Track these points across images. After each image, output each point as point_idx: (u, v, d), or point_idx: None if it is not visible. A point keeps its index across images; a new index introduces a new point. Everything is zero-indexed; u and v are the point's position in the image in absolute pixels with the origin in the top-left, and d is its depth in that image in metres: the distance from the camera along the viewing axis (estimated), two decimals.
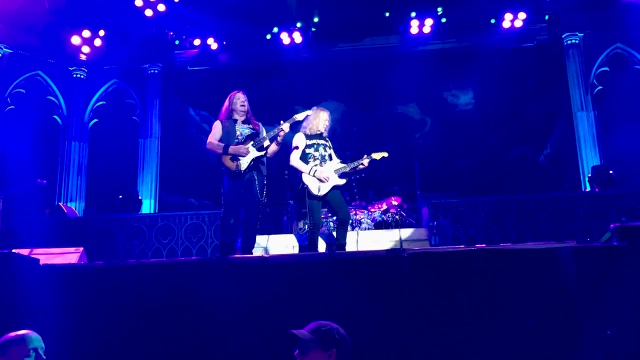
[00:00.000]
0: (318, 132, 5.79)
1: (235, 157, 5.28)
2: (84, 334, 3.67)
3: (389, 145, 11.44)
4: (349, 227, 8.41)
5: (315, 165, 5.61)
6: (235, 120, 5.49)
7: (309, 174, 5.58)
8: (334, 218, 8.62)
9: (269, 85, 11.57)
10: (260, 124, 5.63)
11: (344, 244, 5.68)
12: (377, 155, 5.93)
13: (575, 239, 7.89)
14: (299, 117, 5.63)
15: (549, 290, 3.51)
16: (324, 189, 5.59)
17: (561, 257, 3.50)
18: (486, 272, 3.64)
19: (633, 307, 3.17)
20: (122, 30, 11.56)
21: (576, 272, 3.28)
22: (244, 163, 5.27)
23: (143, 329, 3.69)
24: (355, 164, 5.85)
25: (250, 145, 5.31)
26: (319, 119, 5.80)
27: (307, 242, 5.80)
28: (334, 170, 5.72)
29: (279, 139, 5.41)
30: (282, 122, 5.42)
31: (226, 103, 5.56)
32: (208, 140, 5.45)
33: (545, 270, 3.56)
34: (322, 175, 5.57)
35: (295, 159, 5.68)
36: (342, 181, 5.75)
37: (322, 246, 6.58)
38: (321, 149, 5.73)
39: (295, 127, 5.82)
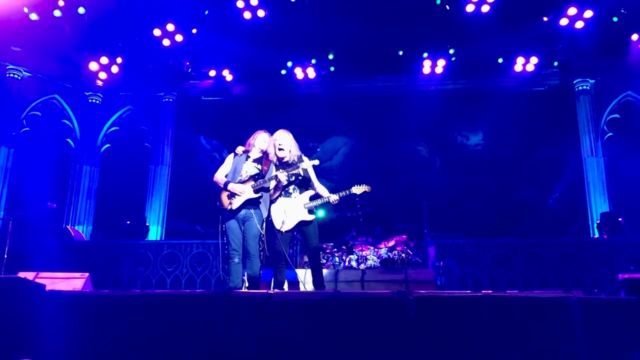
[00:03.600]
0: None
1: (232, 195, 5.34)
2: None
3: (398, 182, 11.54)
4: (355, 264, 8.43)
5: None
6: (248, 158, 5.54)
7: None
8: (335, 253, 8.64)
9: (280, 118, 11.64)
10: (271, 163, 5.60)
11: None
12: (358, 190, 5.58)
13: (583, 286, 7.83)
14: (306, 165, 5.52)
15: (555, 340, 3.48)
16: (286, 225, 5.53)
17: (568, 307, 3.48)
18: (492, 318, 3.61)
19: None
20: (139, 58, 11.76)
21: (582, 323, 3.25)
22: (236, 203, 5.32)
23: None
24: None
25: (249, 185, 5.36)
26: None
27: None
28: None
29: (279, 185, 5.43)
30: (280, 170, 5.40)
31: (250, 138, 5.61)
32: (215, 174, 5.56)
33: (552, 320, 3.53)
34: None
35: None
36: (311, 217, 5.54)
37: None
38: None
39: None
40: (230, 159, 5.58)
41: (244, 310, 3.82)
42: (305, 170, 5.52)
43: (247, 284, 5.41)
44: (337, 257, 8.62)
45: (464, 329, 3.62)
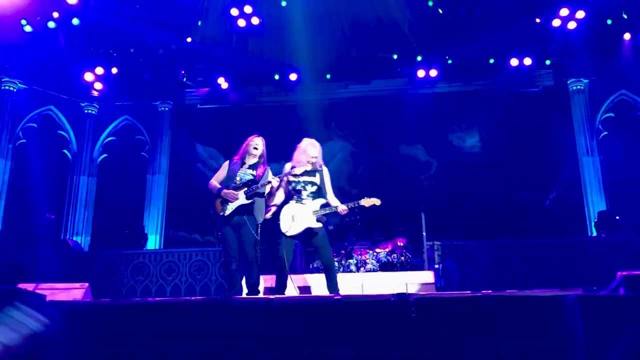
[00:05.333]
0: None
1: (225, 201, 5.34)
2: None
3: (395, 186, 11.55)
4: (354, 268, 8.43)
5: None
6: (243, 164, 5.55)
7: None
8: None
9: (276, 124, 11.69)
10: (268, 169, 5.61)
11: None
12: (367, 202, 5.49)
13: (582, 285, 7.83)
14: (297, 171, 5.46)
15: (555, 338, 3.49)
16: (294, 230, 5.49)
17: (567, 305, 3.49)
18: (492, 318, 3.62)
19: None
20: (134, 67, 11.79)
21: (582, 321, 3.26)
22: (229, 209, 5.32)
23: None
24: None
25: (242, 192, 5.36)
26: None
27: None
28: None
29: (272, 191, 5.43)
30: (274, 178, 5.40)
31: (243, 144, 5.63)
32: (211, 180, 5.57)
33: (551, 319, 3.54)
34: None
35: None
36: (316, 225, 5.43)
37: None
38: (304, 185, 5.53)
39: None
40: (225, 165, 5.59)
41: (244, 316, 3.83)
42: (322, 179, 5.52)
43: (246, 291, 5.41)
44: (337, 261, 8.61)
45: (464, 330, 3.63)
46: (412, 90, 12.03)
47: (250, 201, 5.34)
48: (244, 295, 5.40)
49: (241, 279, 5.47)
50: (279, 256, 5.38)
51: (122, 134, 12.40)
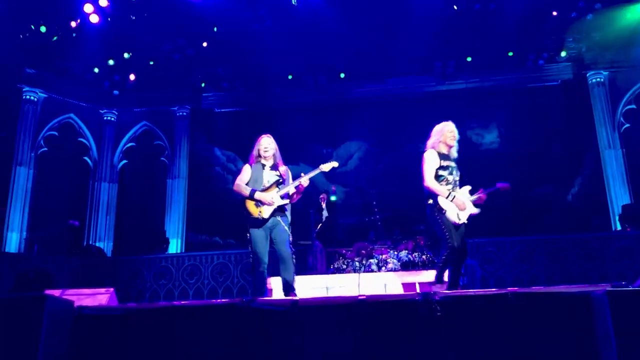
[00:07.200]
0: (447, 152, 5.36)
1: (259, 204, 5.34)
2: None
3: (414, 184, 11.48)
4: (376, 268, 8.42)
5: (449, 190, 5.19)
6: (264, 166, 5.53)
7: (447, 198, 5.16)
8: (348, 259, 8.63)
9: (293, 126, 11.73)
10: (287, 169, 5.62)
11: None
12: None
13: (608, 279, 7.73)
14: (325, 168, 5.56)
15: (584, 335, 3.44)
16: (462, 217, 5.21)
17: (595, 301, 3.44)
18: (519, 316, 3.58)
19: None
20: (152, 74, 11.91)
21: (612, 317, 3.20)
22: (267, 211, 5.31)
23: None
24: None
25: (274, 192, 5.36)
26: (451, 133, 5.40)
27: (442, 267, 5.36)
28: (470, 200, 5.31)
29: (300, 190, 5.43)
30: (302, 174, 5.42)
31: (254, 148, 5.62)
32: (235, 182, 5.47)
33: (580, 315, 3.49)
34: (459, 202, 5.17)
35: (431, 181, 5.25)
36: (477, 210, 5.32)
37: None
38: (454, 172, 5.35)
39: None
40: (248, 168, 5.55)
41: (269, 317, 3.84)
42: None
43: (280, 290, 5.40)
44: (357, 261, 8.60)
45: (491, 328, 3.60)
46: (428, 88, 12.00)
47: (286, 201, 5.38)
48: (274, 296, 5.40)
49: (266, 281, 5.47)
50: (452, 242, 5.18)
51: (141, 139, 12.53)
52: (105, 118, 12.31)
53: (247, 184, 5.43)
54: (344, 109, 12.35)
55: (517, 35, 10.92)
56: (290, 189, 5.40)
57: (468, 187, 5.38)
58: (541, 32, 11.04)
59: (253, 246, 5.28)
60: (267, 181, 5.41)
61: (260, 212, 5.30)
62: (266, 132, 5.72)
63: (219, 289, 9.01)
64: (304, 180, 5.36)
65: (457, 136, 5.45)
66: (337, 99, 12.31)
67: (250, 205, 5.34)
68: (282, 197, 5.36)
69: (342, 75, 11.97)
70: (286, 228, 5.32)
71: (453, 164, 5.33)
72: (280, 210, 5.37)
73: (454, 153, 5.45)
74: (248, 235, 5.34)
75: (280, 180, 5.44)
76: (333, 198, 9.98)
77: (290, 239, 5.38)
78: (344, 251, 9.00)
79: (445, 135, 5.40)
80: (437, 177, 5.24)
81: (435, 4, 10.51)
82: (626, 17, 10.47)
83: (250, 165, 5.55)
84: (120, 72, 11.80)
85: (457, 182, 5.32)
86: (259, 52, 11.38)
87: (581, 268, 8.12)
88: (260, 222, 5.31)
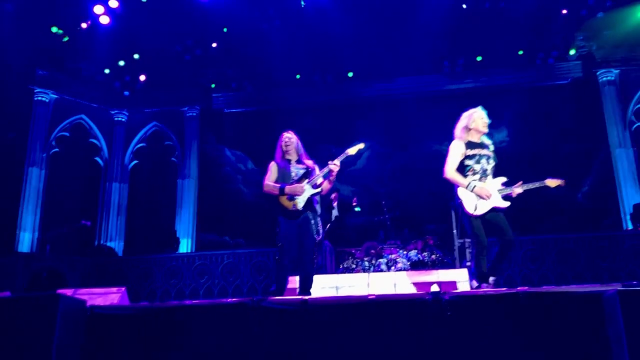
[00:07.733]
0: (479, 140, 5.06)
1: (292, 197, 5.36)
2: None
3: (424, 183, 11.48)
4: (385, 267, 8.42)
5: (474, 180, 4.94)
6: (289, 161, 5.56)
7: (467, 188, 4.92)
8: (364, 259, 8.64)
9: (302, 126, 11.71)
10: (313, 161, 5.64)
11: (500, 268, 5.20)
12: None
13: (619, 279, 7.69)
14: (352, 151, 5.53)
15: (595, 334, 3.44)
16: (481, 208, 4.93)
17: (607, 300, 3.43)
18: (529, 315, 3.58)
19: None
20: (162, 74, 11.98)
21: (623, 316, 3.20)
22: (301, 201, 5.34)
23: None
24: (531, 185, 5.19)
25: (305, 183, 5.40)
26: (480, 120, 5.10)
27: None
28: (498, 190, 4.99)
29: (331, 177, 5.42)
30: (329, 162, 5.37)
31: (277, 145, 5.64)
32: (264, 183, 5.48)
33: (591, 314, 3.49)
34: (483, 192, 4.90)
35: (451, 171, 4.98)
36: (506, 203, 4.99)
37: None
38: (483, 161, 5.07)
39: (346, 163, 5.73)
40: (274, 166, 5.54)
41: (279, 317, 3.86)
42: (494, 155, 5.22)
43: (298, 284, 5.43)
44: (367, 261, 8.61)
45: (501, 327, 3.60)
46: (437, 87, 11.98)
47: (317, 190, 5.39)
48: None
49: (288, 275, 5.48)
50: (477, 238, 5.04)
51: (151, 140, 12.61)
52: (115, 119, 12.40)
53: (275, 182, 5.45)
54: (352, 109, 12.36)
55: (527, 34, 10.89)
56: (319, 178, 5.42)
57: (502, 179, 5.09)
58: (551, 30, 11.00)
59: (282, 238, 5.29)
60: (294, 174, 5.45)
61: (295, 204, 5.33)
62: (276, 132, 5.77)
63: (229, 289, 9.05)
64: (334, 166, 5.32)
65: (487, 121, 5.18)
66: (345, 98, 12.32)
67: (284, 200, 5.35)
68: (313, 187, 5.39)
69: (351, 75, 12.00)
70: (313, 230, 5.34)
71: (484, 152, 5.05)
72: (310, 205, 5.39)
73: (486, 139, 5.18)
74: (277, 229, 5.36)
75: (308, 172, 5.48)
76: (357, 209, 9.82)
77: (319, 238, 5.41)
78: (353, 251, 9.02)
79: (475, 121, 5.14)
80: (464, 167, 4.97)
81: (444, 2, 10.51)
82: (637, 14, 10.41)
83: (277, 162, 5.58)
84: (130, 73, 11.87)
85: (488, 172, 5.02)
86: (268, 52, 11.43)
87: (591, 267, 8.08)
88: (293, 215, 5.32)
